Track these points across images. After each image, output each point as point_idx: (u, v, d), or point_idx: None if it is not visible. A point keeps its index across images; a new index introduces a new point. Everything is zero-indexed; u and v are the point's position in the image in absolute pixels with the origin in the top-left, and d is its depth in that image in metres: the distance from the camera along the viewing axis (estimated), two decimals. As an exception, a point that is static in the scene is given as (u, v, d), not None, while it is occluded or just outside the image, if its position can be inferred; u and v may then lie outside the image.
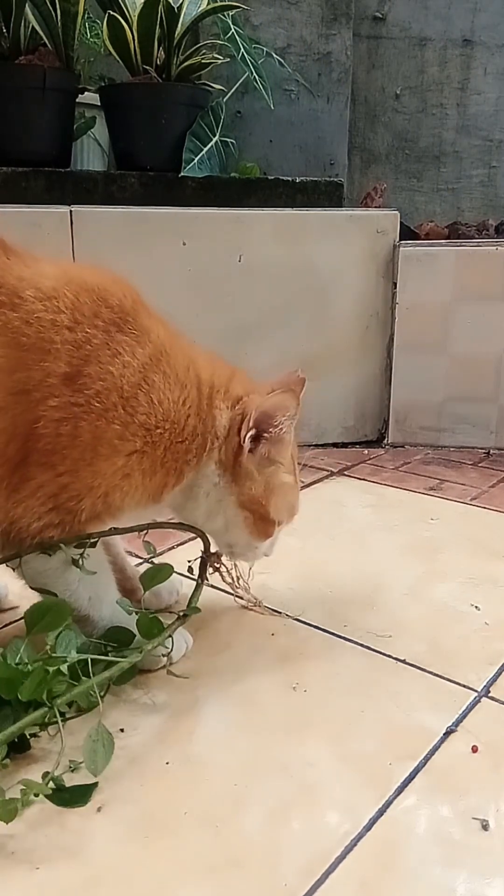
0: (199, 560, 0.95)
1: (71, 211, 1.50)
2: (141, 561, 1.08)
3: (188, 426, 0.81)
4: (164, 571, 0.88)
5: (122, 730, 0.76)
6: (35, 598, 0.82)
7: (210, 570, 0.95)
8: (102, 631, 0.82)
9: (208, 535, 0.93)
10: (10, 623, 0.94)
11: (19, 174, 1.56)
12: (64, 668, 0.70)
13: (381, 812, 0.67)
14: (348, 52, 2.09)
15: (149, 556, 0.92)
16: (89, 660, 0.73)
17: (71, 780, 0.67)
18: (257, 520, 0.88)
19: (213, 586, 0.98)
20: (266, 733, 0.77)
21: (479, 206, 2.36)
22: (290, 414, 0.84)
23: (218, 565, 0.95)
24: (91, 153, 1.88)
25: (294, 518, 0.93)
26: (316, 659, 0.91)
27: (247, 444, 0.84)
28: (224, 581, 0.97)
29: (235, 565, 0.98)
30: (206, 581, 0.94)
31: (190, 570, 0.95)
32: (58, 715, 0.69)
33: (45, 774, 0.66)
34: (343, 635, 0.96)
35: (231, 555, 0.94)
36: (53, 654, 0.71)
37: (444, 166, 2.34)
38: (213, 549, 0.95)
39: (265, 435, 0.84)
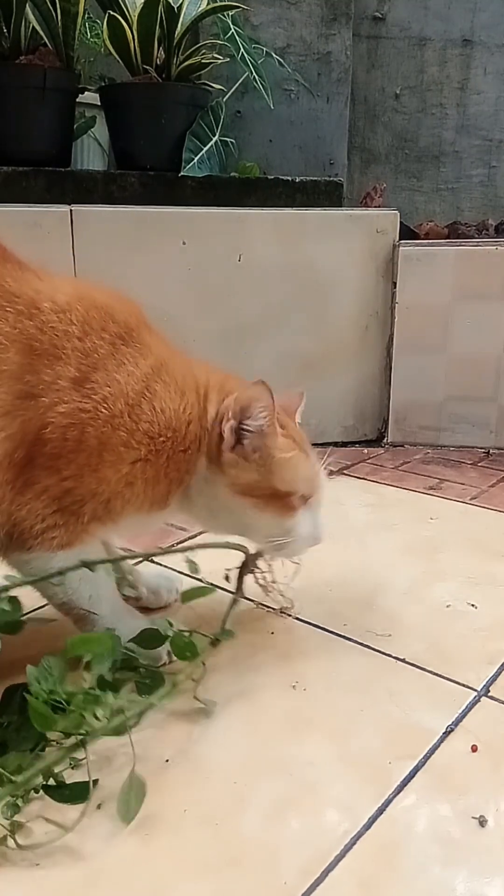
0: (237, 571, 0.91)
1: (71, 210, 1.50)
2: (140, 560, 1.08)
3: (189, 433, 0.83)
4: (204, 591, 0.85)
5: (122, 729, 0.76)
6: (36, 595, 0.83)
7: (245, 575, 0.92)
8: (102, 629, 0.82)
9: (247, 540, 0.91)
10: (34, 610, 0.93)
11: (19, 174, 1.56)
12: (101, 713, 0.68)
13: (380, 811, 0.67)
14: (348, 52, 2.09)
15: (191, 574, 0.86)
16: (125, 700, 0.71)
17: (71, 777, 0.68)
18: (269, 499, 0.85)
19: (215, 585, 0.98)
20: (266, 732, 0.77)
21: (478, 205, 2.36)
22: (263, 405, 0.82)
23: (254, 569, 0.92)
24: (91, 153, 1.88)
25: (320, 490, 0.89)
26: (316, 658, 0.91)
27: (227, 434, 0.83)
28: (257, 583, 0.93)
29: (270, 566, 0.94)
30: (241, 596, 0.90)
31: (227, 578, 0.91)
32: (86, 751, 0.68)
33: (45, 771, 0.66)
34: (343, 634, 0.96)
35: (275, 549, 0.89)
36: (89, 692, 0.69)
37: (444, 166, 2.34)
38: (252, 552, 0.91)
39: (247, 427, 0.84)
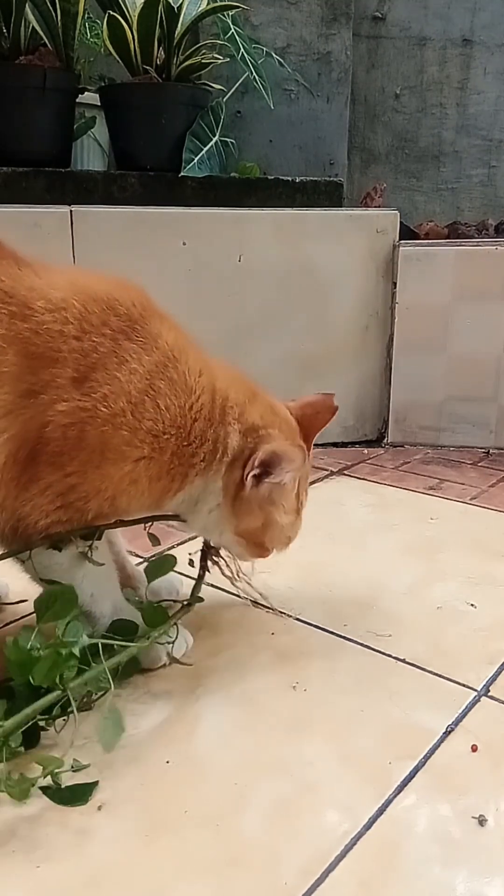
0: (199, 553, 0.96)
1: (71, 211, 1.50)
2: (141, 560, 1.08)
3: (195, 430, 0.81)
4: (167, 563, 0.89)
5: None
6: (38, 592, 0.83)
7: (210, 562, 0.96)
8: (104, 628, 0.83)
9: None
10: (13, 621, 0.94)
11: (19, 174, 1.56)
12: (75, 650, 0.70)
13: (380, 811, 0.67)
14: (348, 52, 2.09)
15: (153, 549, 0.94)
16: (99, 644, 0.74)
17: (72, 780, 0.68)
18: (252, 545, 0.89)
19: (214, 585, 0.98)
20: (266, 732, 0.77)
21: (478, 205, 2.36)
22: (295, 467, 0.84)
23: (217, 558, 0.96)
24: (91, 153, 1.88)
25: (290, 545, 0.93)
26: (316, 658, 0.91)
27: (249, 483, 0.83)
28: (223, 575, 0.96)
29: (235, 559, 0.97)
30: (207, 572, 0.95)
31: (191, 563, 0.96)
32: (71, 700, 0.69)
33: (46, 769, 0.66)
34: (343, 634, 0.96)
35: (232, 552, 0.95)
36: (65, 639, 0.71)
37: (444, 166, 2.34)
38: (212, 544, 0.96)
39: (269, 478, 0.84)
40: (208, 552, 0.96)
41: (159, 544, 0.94)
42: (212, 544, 0.95)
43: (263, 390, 0.90)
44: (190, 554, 0.97)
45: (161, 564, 0.89)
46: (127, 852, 0.62)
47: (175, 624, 0.85)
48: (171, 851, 0.62)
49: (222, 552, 0.96)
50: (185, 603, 0.89)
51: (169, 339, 0.81)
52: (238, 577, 0.97)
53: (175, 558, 0.90)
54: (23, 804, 0.65)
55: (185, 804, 0.67)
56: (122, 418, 0.76)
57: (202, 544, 0.96)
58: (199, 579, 0.94)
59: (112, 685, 0.73)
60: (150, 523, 0.90)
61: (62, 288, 0.77)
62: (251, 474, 0.83)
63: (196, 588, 0.93)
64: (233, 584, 0.98)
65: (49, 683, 0.70)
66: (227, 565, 0.97)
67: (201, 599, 0.91)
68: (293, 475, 0.85)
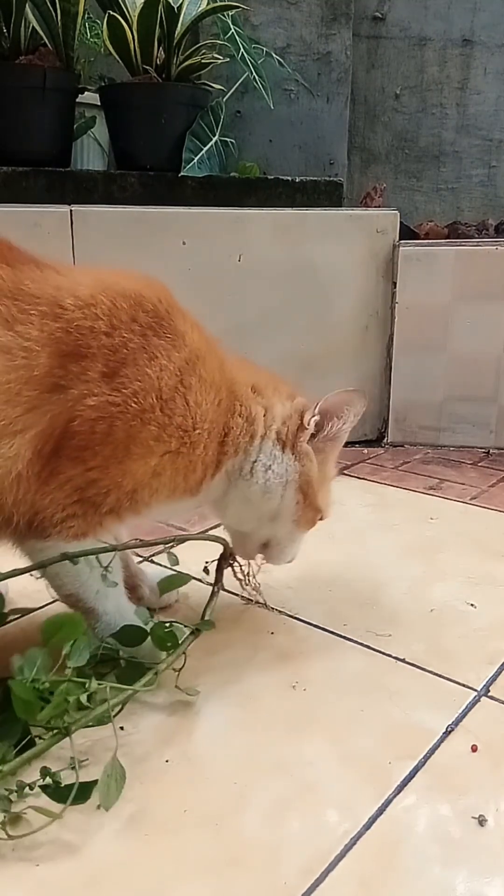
0: (215, 563, 0.95)
1: (71, 210, 1.50)
2: (141, 559, 1.08)
3: (221, 423, 0.84)
4: (181, 580, 0.88)
5: (122, 728, 0.76)
6: (39, 593, 0.82)
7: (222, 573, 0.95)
8: (106, 626, 0.83)
9: (241, 536, 0.94)
10: (16, 617, 0.94)
11: (19, 174, 1.56)
12: (84, 698, 0.70)
13: (380, 811, 0.67)
14: (348, 52, 2.09)
15: (152, 549, 0.93)
16: (108, 688, 0.73)
17: (71, 778, 0.68)
18: (306, 506, 0.90)
19: (191, 576, 0.98)
20: (266, 732, 0.77)
21: (478, 205, 2.36)
22: (355, 410, 0.89)
23: (231, 562, 0.95)
24: (91, 153, 1.88)
25: (328, 516, 0.95)
26: (316, 658, 0.91)
27: (311, 426, 0.88)
28: (235, 577, 0.96)
29: (249, 563, 0.97)
30: (221, 588, 0.94)
31: (206, 570, 0.94)
32: (72, 741, 0.68)
33: (44, 769, 0.66)
34: (343, 634, 0.96)
35: (266, 554, 0.95)
36: (73, 679, 0.70)
37: (444, 166, 2.34)
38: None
39: (325, 426, 0.89)
40: (223, 563, 0.94)
41: (178, 563, 0.89)
42: (262, 539, 0.93)
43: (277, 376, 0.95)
44: (207, 562, 0.95)
45: (175, 580, 0.89)
46: (126, 852, 0.62)
47: (184, 653, 0.83)
48: (170, 851, 0.62)
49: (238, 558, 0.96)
50: (195, 628, 0.87)
51: (195, 336, 0.83)
52: (248, 580, 0.97)
53: (190, 577, 0.90)
54: (23, 804, 0.65)
55: (185, 804, 0.67)
56: (152, 414, 0.77)
57: (220, 555, 0.94)
58: (212, 597, 0.92)
59: (117, 738, 0.70)
60: (172, 544, 0.88)
61: (89, 285, 0.78)
62: (312, 419, 0.88)
63: (207, 608, 0.90)
64: (243, 586, 0.97)
65: (53, 724, 0.69)
66: (241, 567, 0.96)
67: (212, 625, 0.88)
68: (352, 420, 0.90)
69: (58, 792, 0.65)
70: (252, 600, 1.00)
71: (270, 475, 0.88)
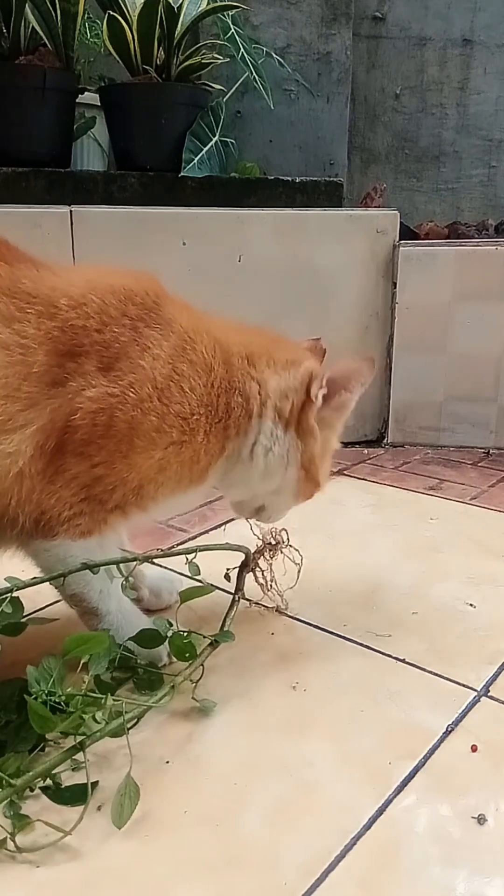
0: (237, 570, 0.94)
1: (71, 211, 1.50)
2: (138, 561, 1.08)
3: (220, 404, 0.84)
4: (203, 590, 0.86)
5: (121, 729, 0.76)
6: (41, 593, 0.82)
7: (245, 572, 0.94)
8: (108, 625, 0.83)
9: (237, 501, 0.95)
10: (29, 614, 0.94)
11: (19, 174, 1.56)
12: (99, 715, 0.69)
13: (380, 811, 0.67)
14: (348, 52, 2.09)
15: (151, 548, 0.91)
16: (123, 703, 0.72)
17: (71, 779, 0.68)
18: (307, 480, 0.91)
19: (214, 585, 0.98)
20: (266, 732, 0.77)
21: (478, 205, 2.36)
22: (364, 382, 0.89)
23: (254, 567, 0.94)
24: (91, 153, 1.88)
25: (324, 492, 0.96)
26: (316, 658, 0.91)
27: (318, 401, 0.87)
28: (257, 582, 0.95)
29: (270, 565, 0.96)
30: (242, 596, 0.93)
31: (227, 577, 0.93)
32: (85, 755, 0.67)
33: (44, 773, 0.66)
34: (343, 635, 0.96)
35: (257, 517, 0.96)
36: (89, 694, 0.70)
37: (444, 166, 2.34)
38: (252, 551, 0.94)
39: (332, 398, 0.88)
40: (244, 571, 0.94)
41: (199, 574, 0.86)
42: (258, 506, 0.94)
43: (277, 335, 0.96)
44: (228, 569, 0.94)
45: (196, 590, 0.87)
46: (126, 853, 0.62)
47: (202, 664, 0.82)
48: (170, 851, 0.62)
49: (260, 562, 0.94)
50: (213, 640, 0.86)
51: (183, 321, 0.83)
52: (270, 586, 0.96)
53: (213, 587, 0.87)
54: (23, 803, 0.65)
55: (185, 804, 0.67)
56: (150, 403, 0.78)
57: (241, 563, 0.94)
58: (234, 603, 0.91)
59: (131, 753, 0.68)
60: (194, 554, 0.86)
61: (80, 285, 0.79)
62: (320, 393, 0.87)
63: (227, 619, 0.89)
64: (264, 591, 0.96)
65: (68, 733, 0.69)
66: (263, 573, 0.95)
67: (232, 637, 0.86)
68: (360, 391, 0.89)
69: (58, 794, 0.66)
70: (272, 607, 0.99)
71: (271, 458, 0.88)
